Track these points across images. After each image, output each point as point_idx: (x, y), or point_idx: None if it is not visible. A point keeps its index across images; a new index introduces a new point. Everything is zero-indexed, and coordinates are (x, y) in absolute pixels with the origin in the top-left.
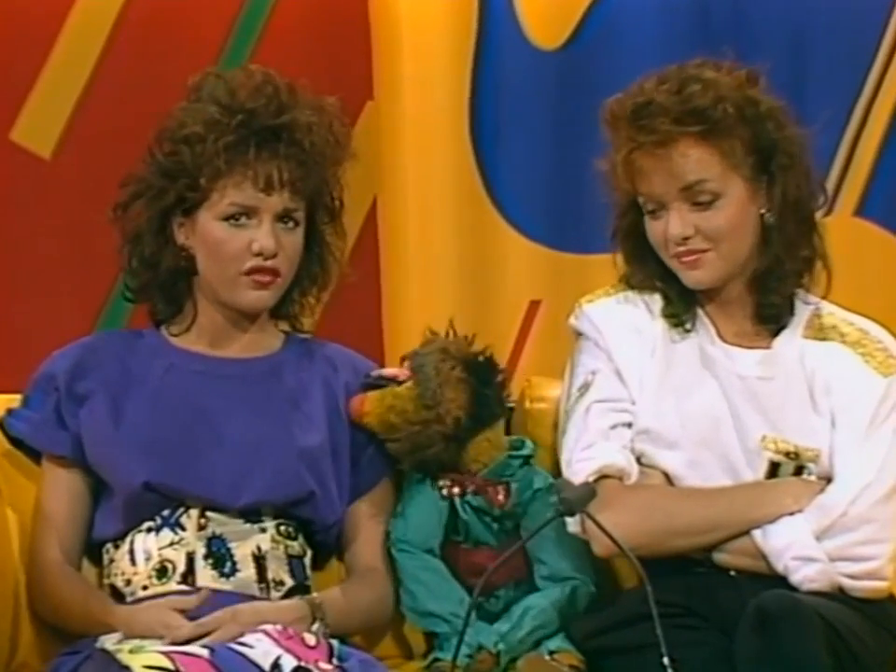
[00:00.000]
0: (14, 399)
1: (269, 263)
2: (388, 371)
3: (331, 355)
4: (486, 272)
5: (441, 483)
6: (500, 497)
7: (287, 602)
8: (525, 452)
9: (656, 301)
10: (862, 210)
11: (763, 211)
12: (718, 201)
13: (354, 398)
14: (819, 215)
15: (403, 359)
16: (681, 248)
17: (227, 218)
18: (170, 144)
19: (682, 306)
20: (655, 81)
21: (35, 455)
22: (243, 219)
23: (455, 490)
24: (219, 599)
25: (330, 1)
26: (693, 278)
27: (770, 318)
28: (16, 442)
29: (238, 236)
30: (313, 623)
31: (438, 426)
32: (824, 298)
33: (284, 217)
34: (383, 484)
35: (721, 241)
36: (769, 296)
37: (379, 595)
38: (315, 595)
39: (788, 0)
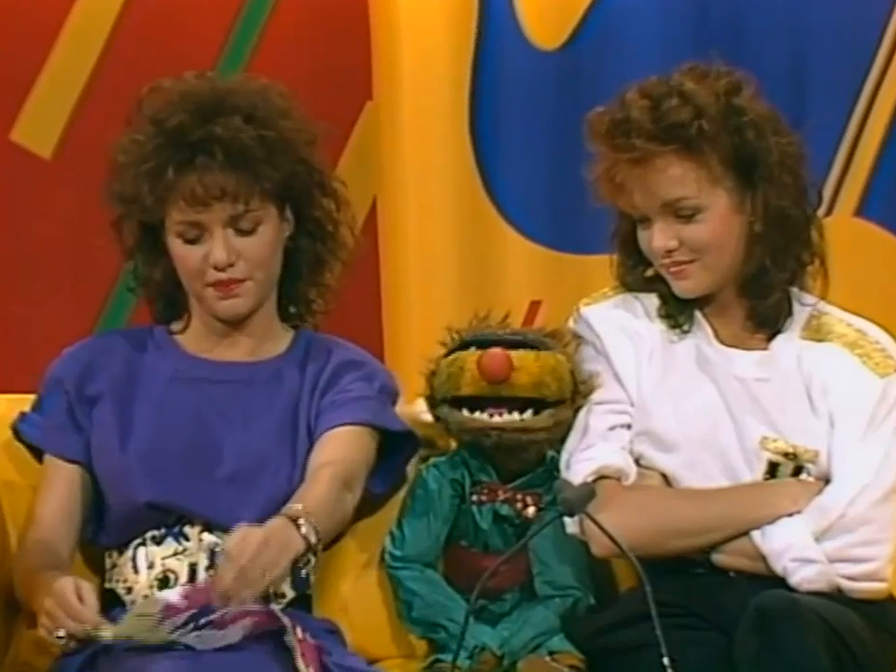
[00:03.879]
0: (15, 400)
1: (225, 275)
2: (504, 331)
3: (330, 347)
4: (486, 272)
5: (473, 490)
6: (530, 509)
7: (272, 525)
8: (553, 465)
9: (654, 302)
10: (863, 210)
11: (751, 219)
12: (700, 214)
13: (488, 353)
14: (812, 218)
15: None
16: (666, 260)
17: (180, 236)
18: (113, 172)
19: (678, 307)
20: (636, 94)
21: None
22: (196, 236)
23: (485, 499)
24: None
25: (330, 1)
26: (680, 287)
27: (764, 322)
28: (27, 446)
29: (195, 252)
30: (299, 528)
31: (576, 409)
32: (822, 298)
33: (234, 224)
34: (342, 432)
35: (705, 252)
36: (759, 301)
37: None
38: (290, 506)
39: (787, 1)
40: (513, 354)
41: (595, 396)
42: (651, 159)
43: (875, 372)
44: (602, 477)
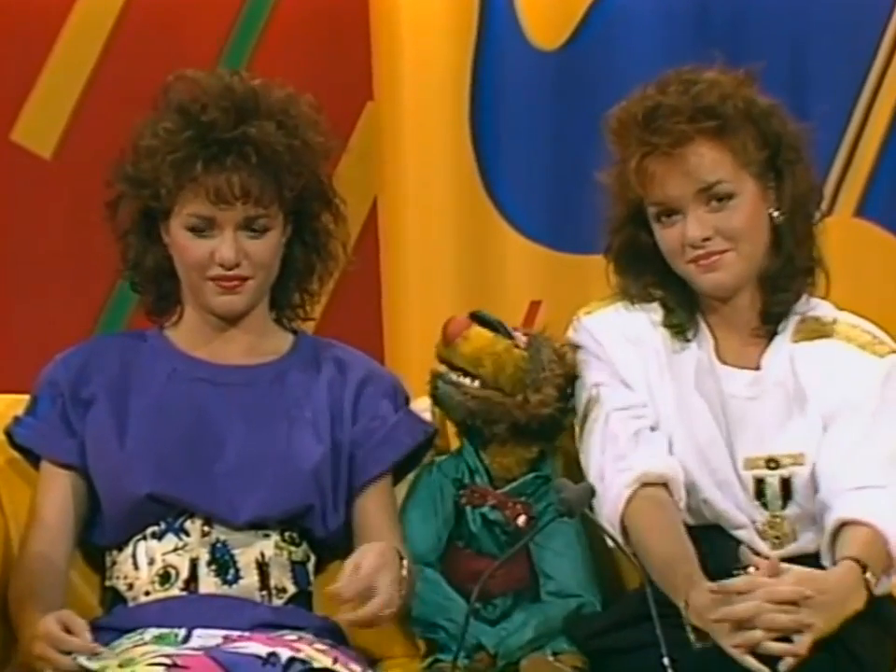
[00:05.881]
0: (14, 400)
1: (231, 273)
2: (513, 328)
3: (341, 357)
4: (486, 272)
5: (461, 492)
6: (521, 517)
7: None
8: (545, 472)
9: (656, 310)
10: (863, 210)
11: (771, 210)
12: (732, 200)
13: (457, 318)
14: (818, 215)
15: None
16: (700, 251)
17: (190, 228)
18: (132, 154)
19: (683, 315)
20: (656, 87)
21: (38, 464)
22: (205, 230)
23: (474, 502)
24: (217, 603)
25: (330, 1)
26: (712, 281)
27: (776, 316)
28: (21, 450)
29: (202, 246)
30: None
31: (517, 410)
32: (821, 298)
33: (248, 225)
34: (387, 479)
35: (741, 240)
36: (780, 294)
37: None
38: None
39: (788, 1)
40: (473, 327)
41: (607, 405)
42: (688, 141)
43: (876, 355)
44: (645, 485)
